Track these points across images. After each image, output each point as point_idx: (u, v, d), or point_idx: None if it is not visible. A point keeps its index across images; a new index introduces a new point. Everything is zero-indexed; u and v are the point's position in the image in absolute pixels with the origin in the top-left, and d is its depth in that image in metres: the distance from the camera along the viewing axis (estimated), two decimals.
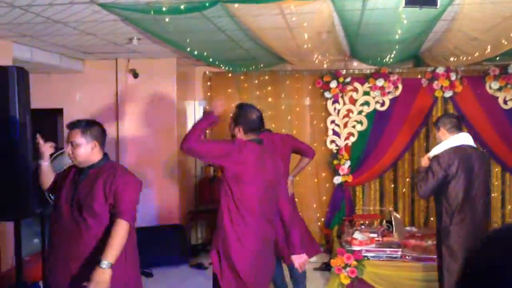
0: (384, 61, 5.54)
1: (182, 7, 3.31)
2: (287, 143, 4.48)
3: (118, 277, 2.62)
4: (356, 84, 6.46)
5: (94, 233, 2.69)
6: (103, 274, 2.51)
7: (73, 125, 2.83)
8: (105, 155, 2.89)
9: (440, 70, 6.20)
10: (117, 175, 2.74)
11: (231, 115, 3.22)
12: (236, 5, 3.33)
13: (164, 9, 3.35)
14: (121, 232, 2.63)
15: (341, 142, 6.53)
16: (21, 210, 3.58)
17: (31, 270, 4.65)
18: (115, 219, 2.67)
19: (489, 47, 4.32)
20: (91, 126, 2.84)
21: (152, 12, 3.40)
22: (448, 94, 6.26)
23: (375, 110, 6.44)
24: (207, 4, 3.25)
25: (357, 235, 5.03)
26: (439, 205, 3.78)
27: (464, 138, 3.80)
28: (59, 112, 6.57)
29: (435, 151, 3.82)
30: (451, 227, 3.67)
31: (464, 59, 5.03)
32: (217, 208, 3.14)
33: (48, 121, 7.13)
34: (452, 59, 5.34)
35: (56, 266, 2.77)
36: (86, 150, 2.79)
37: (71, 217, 2.72)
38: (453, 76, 6.19)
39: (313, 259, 5.94)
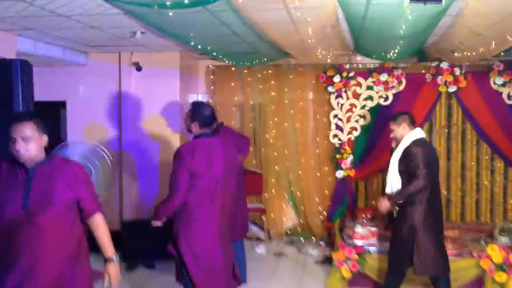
0: (388, 56, 5.52)
1: (186, 1, 3.29)
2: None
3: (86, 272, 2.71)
4: (360, 79, 6.45)
5: (60, 234, 2.53)
6: (116, 267, 2.71)
7: (25, 117, 2.56)
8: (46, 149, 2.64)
9: (444, 65, 6.18)
10: (76, 169, 2.66)
11: (186, 111, 3.54)
12: None
13: (167, 3, 3.33)
14: (104, 224, 2.72)
15: (344, 137, 6.53)
16: None
17: None
18: (91, 214, 2.69)
19: (493, 43, 4.30)
20: (40, 118, 2.56)
21: (155, 7, 3.39)
22: (452, 89, 6.24)
23: (378, 105, 6.43)
24: None
25: (358, 228, 5.04)
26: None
27: (422, 132, 4.17)
28: (62, 105, 6.59)
29: (403, 145, 4.05)
30: (423, 206, 3.88)
31: (469, 54, 5.02)
32: None
33: (51, 114, 7.15)
34: (457, 54, 5.32)
35: (22, 285, 2.44)
36: (39, 145, 2.52)
37: (29, 222, 2.45)
38: (457, 71, 6.18)
39: (315, 252, 5.99)
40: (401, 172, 3.99)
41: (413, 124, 4.11)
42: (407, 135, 4.05)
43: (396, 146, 4.14)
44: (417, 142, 3.97)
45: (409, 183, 3.86)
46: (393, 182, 4.08)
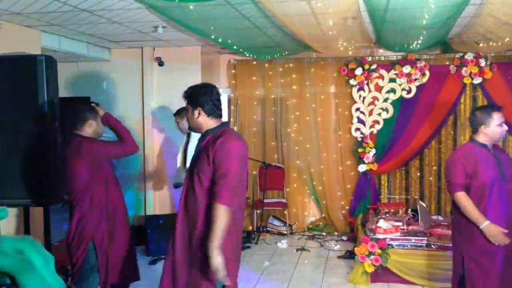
0: (411, 47, 5.43)
1: None
2: None
3: None
4: (382, 71, 6.37)
5: None
6: None
7: None
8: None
9: (469, 56, 6.05)
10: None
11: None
12: None
13: None
14: None
15: (366, 130, 6.47)
16: (51, 196, 3.67)
17: (60, 255, 4.77)
18: None
19: None
20: None
21: (176, 0, 3.41)
22: (477, 80, 6.11)
23: (401, 98, 6.35)
24: None
25: (381, 223, 4.99)
26: None
27: None
28: (86, 100, 6.68)
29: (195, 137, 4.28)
30: None
31: (495, 44, 4.91)
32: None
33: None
34: (482, 44, 5.21)
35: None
36: None
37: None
38: (482, 62, 6.05)
39: (337, 247, 5.95)
40: None
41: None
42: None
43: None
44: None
45: None
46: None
